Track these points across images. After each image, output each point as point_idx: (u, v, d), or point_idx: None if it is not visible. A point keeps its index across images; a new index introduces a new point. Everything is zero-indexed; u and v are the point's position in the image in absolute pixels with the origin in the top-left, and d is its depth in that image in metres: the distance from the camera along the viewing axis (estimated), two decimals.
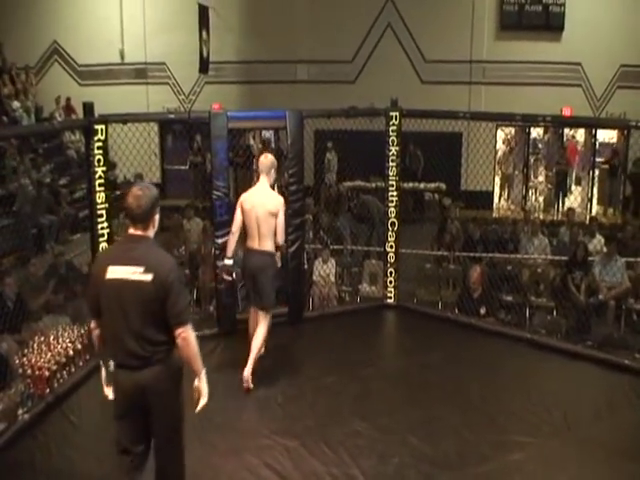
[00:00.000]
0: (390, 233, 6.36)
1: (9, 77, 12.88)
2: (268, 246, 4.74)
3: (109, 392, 3.03)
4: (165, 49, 13.73)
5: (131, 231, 2.89)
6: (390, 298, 6.39)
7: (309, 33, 13.78)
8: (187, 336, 2.83)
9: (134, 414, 2.88)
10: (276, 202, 4.77)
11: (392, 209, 6.34)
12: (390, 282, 6.38)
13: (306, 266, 6.67)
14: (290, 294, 5.98)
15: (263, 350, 4.84)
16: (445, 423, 4.26)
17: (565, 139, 14.10)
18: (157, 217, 2.94)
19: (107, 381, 3.05)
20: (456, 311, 6.52)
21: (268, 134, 13.16)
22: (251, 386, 4.62)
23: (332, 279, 7.14)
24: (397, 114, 6.23)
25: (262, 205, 4.71)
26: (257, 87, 13.64)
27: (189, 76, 13.77)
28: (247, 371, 4.61)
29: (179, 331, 2.82)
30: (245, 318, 5.60)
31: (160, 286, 2.77)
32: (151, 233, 2.91)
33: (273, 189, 4.94)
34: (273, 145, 12.85)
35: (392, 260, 6.38)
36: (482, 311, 6.33)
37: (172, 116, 7.13)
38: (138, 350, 2.80)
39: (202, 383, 2.94)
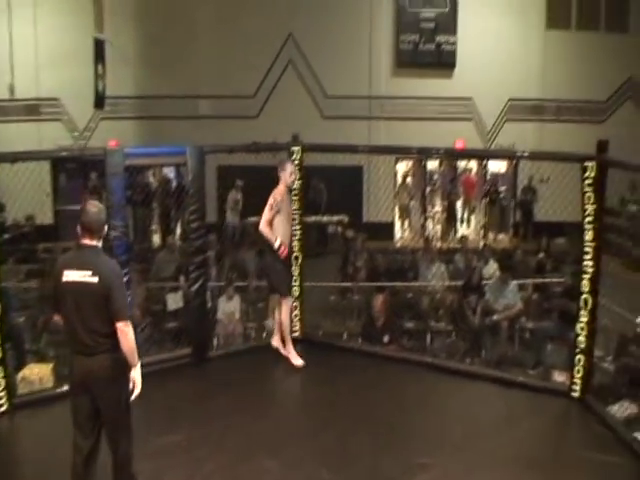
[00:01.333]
0: (294, 267, 6.39)
1: None
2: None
3: None
4: (58, 83, 13.23)
5: (84, 241, 3.46)
6: (296, 332, 6.40)
7: (210, 68, 13.81)
8: (124, 330, 3.40)
9: (84, 397, 3.43)
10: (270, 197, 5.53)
11: (295, 243, 6.38)
12: (295, 316, 6.40)
13: (210, 304, 6.57)
14: (193, 334, 5.85)
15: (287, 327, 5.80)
16: (354, 451, 4.28)
17: (459, 170, 14.93)
18: (106, 228, 3.59)
19: None
20: (360, 340, 6.63)
21: (168, 171, 12.95)
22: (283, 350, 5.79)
23: (237, 316, 7.07)
24: (299, 149, 6.30)
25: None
26: (157, 123, 13.43)
27: (84, 112, 13.33)
28: (274, 341, 5.85)
29: (118, 325, 3.39)
30: (152, 361, 5.42)
31: (104, 287, 3.37)
32: (100, 243, 3.50)
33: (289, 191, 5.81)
34: (174, 182, 12.65)
35: (297, 294, 6.40)
36: (386, 339, 6.48)
37: (65, 154, 6.84)
38: (89, 341, 3.39)
39: (137, 375, 3.51)
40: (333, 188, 12.63)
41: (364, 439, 4.45)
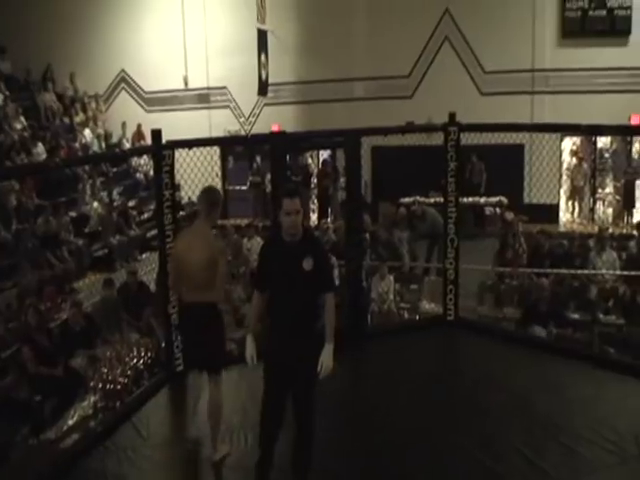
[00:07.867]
0: (450, 250, 6.27)
1: (81, 105, 13.68)
2: None
3: None
4: (226, 73, 14.17)
5: None
6: (450, 315, 6.29)
7: (364, 49, 13.89)
8: None
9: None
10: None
11: (451, 225, 6.25)
12: (450, 299, 6.29)
13: (364, 283, 6.68)
14: (348, 311, 6.00)
15: None
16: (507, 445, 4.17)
17: (635, 149, 13.50)
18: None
19: None
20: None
21: (326, 154, 13.33)
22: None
23: (390, 296, 7.13)
24: (455, 129, 6.12)
25: None
26: (315, 106, 13.83)
27: (249, 99, 14.15)
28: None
29: None
30: None
31: None
32: None
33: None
34: (331, 163, 12.98)
35: (452, 277, 6.28)
36: (548, 328, 6.14)
37: (232, 139, 7.32)
38: None
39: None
40: (492, 168, 12.14)
41: (519, 431, 4.27)
